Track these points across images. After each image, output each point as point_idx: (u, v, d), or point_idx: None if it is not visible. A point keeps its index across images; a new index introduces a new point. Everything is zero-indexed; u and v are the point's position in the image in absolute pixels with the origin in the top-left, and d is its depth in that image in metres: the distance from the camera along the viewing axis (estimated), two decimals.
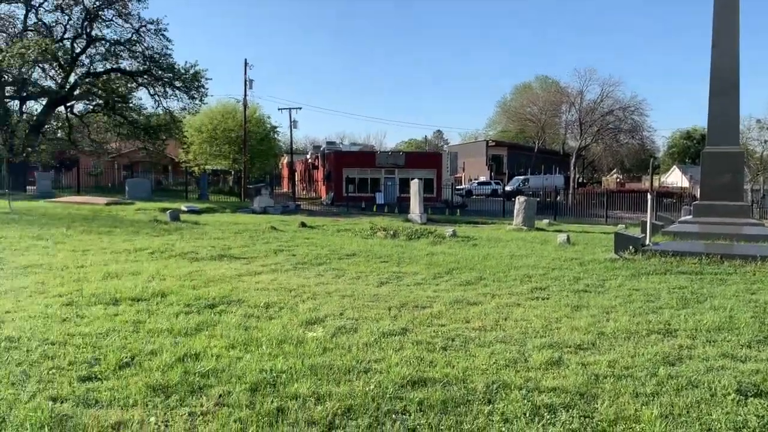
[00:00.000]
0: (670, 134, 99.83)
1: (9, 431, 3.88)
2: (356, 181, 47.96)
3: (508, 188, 55.61)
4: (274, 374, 4.93)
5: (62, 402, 4.35)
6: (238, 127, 46.38)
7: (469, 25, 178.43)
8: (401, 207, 36.34)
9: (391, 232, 17.80)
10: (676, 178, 79.14)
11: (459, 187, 62.11)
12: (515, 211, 24.95)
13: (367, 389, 4.62)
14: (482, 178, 68.32)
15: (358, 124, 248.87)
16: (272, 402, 4.36)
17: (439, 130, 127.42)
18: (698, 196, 20.41)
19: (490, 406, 4.40)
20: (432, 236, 17.49)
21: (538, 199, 35.87)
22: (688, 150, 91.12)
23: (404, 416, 4.20)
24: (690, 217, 20.13)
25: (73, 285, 8.56)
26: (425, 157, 54.07)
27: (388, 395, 4.53)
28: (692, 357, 5.71)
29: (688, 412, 4.34)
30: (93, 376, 4.92)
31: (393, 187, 47.58)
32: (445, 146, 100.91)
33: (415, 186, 29.35)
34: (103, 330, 6.21)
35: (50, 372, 4.98)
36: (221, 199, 42.59)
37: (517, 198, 26.09)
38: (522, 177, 64.89)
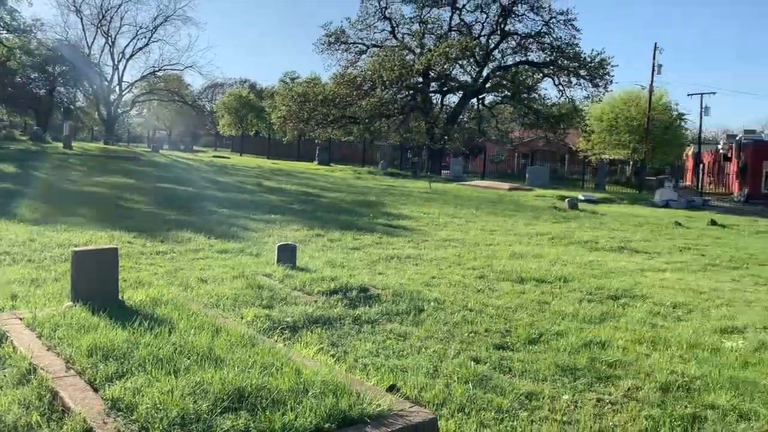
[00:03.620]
0: None
1: (440, 379, 4.51)
2: None
3: None
4: (687, 378, 4.63)
5: (482, 363, 4.87)
6: (640, 115, 44.14)
7: None
8: None
9: None
10: None
11: None
12: None
13: None
14: None
15: None
16: (686, 407, 4.11)
17: None
18: None
19: None
20: None
21: None
22: None
23: None
24: None
25: (485, 260, 9.44)
26: None
27: None
28: None
29: None
30: (505, 345, 5.37)
31: None
32: None
33: None
34: (512, 305, 6.72)
35: (470, 335, 5.62)
36: (618, 189, 41.32)
37: None
38: None
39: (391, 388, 3.95)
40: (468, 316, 6.17)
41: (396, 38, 45.55)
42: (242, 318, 5.47)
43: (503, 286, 7.71)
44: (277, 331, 5.20)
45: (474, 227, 13.83)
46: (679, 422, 3.88)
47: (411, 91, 44.26)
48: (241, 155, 49.85)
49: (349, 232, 11.65)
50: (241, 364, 3.72)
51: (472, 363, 4.84)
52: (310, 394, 3.35)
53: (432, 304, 6.51)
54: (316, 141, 47.53)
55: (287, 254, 7.69)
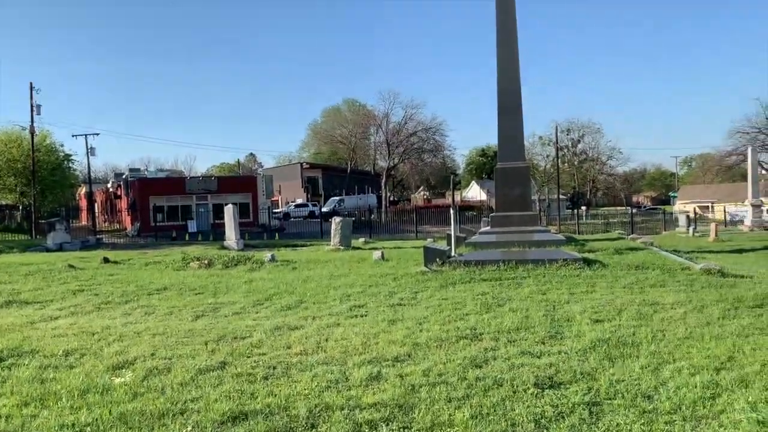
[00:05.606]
0: (467, 152, 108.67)
1: None
2: (165, 209, 45.59)
3: (324, 209, 56.54)
4: (77, 429, 4.47)
5: None
6: (25, 156, 41.90)
7: (274, 55, 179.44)
8: (216, 234, 35.20)
9: (206, 261, 17.14)
10: (475, 192, 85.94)
11: (276, 210, 61.74)
12: (332, 232, 25.35)
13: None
14: (299, 201, 68.62)
15: (164, 150, 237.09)
16: None
17: (252, 153, 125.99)
18: (494, 207, 22.33)
19: (313, 430, 4.39)
20: (250, 262, 17.14)
21: (354, 218, 36.90)
22: (484, 166, 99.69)
23: None
24: (488, 228, 21.95)
25: None
26: (239, 181, 53.06)
27: None
28: (496, 358, 6.20)
29: (495, 410, 4.69)
30: None
31: (206, 214, 45.95)
32: (260, 169, 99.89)
33: (229, 211, 28.60)
34: None
35: None
36: (7, 237, 37.98)
37: (333, 219, 26.55)
38: (337, 198, 66.26)
39: None
40: None
41: None
42: None
43: None
44: None
45: None
46: None
47: None
48: None
49: None
50: None
51: None
52: None
53: None
54: None
55: None
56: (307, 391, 5.22)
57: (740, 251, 21.29)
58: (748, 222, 39.89)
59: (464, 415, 4.55)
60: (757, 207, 40.43)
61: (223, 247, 26.50)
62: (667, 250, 18.97)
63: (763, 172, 67.92)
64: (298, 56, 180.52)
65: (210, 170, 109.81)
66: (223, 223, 29.73)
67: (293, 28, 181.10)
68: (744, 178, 51.37)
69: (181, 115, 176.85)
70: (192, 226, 43.71)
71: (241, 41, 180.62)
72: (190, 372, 5.90)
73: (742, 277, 12.35)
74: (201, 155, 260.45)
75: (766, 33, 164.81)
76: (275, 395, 5.14)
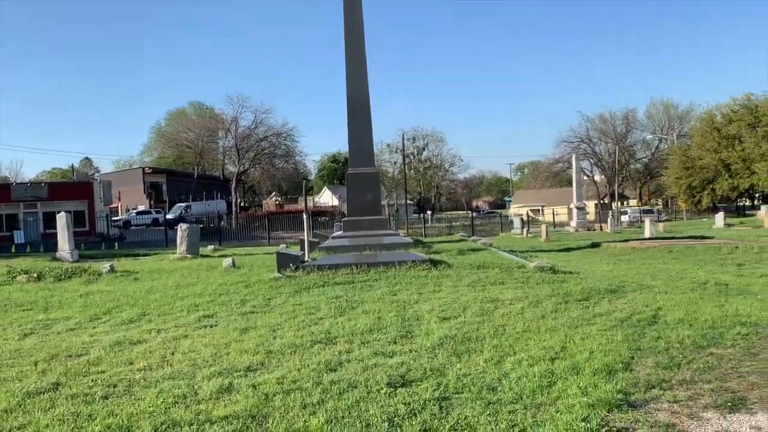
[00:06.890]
0: (319, 158, 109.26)
1: None
2: None
3: (169, 216, 53.99)
4: None
5: None
6: None
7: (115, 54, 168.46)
8: (48, 245, 32.23)
9: (35, 275, 15.61)
10: (327, 198, 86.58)
11: (116, 218, 57.79)
12: (178, 240, 24.20)
13: None
14: (141, 207, 64.77)
15: None
16: None
17: (87, 158, 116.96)
18: (346, 212, 22.63)
19: None
20: (86, 274, 15.87)
21: (202, 225, 35.53)
22: (336, 172, 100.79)
23: None
24: (341, 232, 22.19)
25: None
26: (73, 188, 49.07)
27: None
28: (350, 360, 6.25)
29: (349, 412, 4.71)
30: None
31: (36, 223, 41.92)
32: (97, 175, 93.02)
33: (62, 220, 26.28)
34: None
35: None
36: None
37: (179, 226, 25.36)
38: (184, 204, 63.45)
39: None
40: None
41: None
42: None
43: None
44: None
45: None
46: None
47: None
48: None
49: None
50: None
51: None
52: None
53: None
54: None
55: None
56: (152, 409, 4.91)
57: (568, 250, 23.35)
58: (573, 223, 43.88)
59: (319, 420, 4.52)
60: (580, 209, 44.62)
61: (56, 259, 24.31)
62: (504, 251, 20.32)
63: (585, 177, 75.20)
64: (140, 55, 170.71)
65: (40, 176, 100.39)
66: (55, 233, 27.26)
67: (132, 23, 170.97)
68: (569, 183, 56.50)
69: (7, 117, 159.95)
70: (19, 236, 39.69)
71: (76, 39, 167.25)
72: (16, 396, 5.32)
73: (571, 273, 13.55)
74: (29, 159, 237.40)
75: (597, 48, 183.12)
76: (116, 415, 4.78)
